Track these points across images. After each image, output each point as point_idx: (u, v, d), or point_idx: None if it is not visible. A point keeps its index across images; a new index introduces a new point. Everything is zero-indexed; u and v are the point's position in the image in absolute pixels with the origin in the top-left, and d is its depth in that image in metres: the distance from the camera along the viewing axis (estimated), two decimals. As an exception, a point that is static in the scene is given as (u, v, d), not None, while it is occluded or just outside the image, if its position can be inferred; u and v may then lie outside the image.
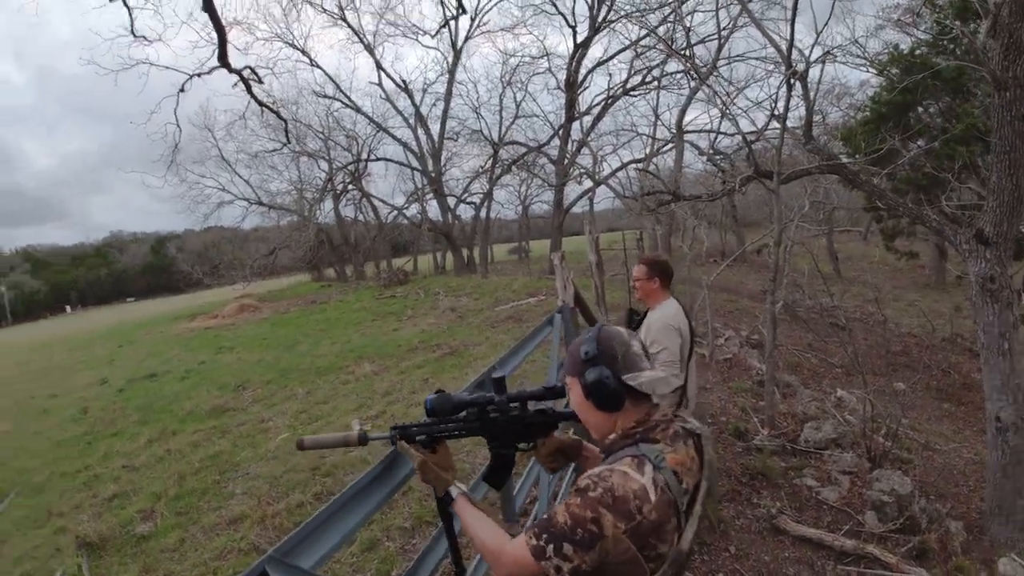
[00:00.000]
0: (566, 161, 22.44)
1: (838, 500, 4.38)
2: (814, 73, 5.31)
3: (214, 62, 12.63)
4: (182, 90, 15.24)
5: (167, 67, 17.11)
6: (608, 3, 20.32)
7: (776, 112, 5.52)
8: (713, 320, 8.48)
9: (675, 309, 3.44)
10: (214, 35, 11.30)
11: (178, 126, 17.12)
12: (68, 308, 64.47)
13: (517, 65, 24.20)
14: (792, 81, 5.10)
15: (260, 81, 15.82)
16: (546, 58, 23.42)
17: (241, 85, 14.61)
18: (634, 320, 3.59)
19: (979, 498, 4.74)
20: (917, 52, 11.00)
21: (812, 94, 5.08)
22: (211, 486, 5.30)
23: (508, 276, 22.03)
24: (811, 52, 5.16)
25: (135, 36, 12.30)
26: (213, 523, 4.55)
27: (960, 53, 9.20)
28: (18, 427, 9.32)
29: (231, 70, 13.20)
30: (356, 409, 7.30)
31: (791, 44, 4.97)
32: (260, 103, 16.78)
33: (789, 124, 5.82)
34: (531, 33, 39.17)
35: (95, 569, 4.25)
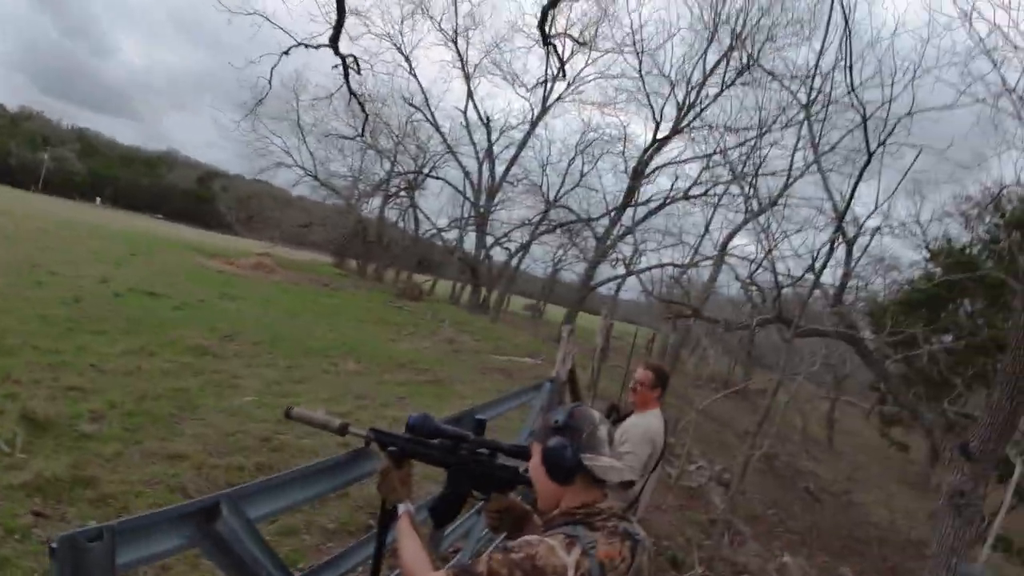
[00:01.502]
0: (608, 242, 22.81)
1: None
2: (863, 240, 5.47)
3: (324, 39, 13.16)
4: (286, 53, 15.84)
5: (279, 27, 17.94)
6: (696, 111, 21.09)
7: (815, 266, 5.65)
8: (692, 445, 8.42)
9: (659, 422, 3.49)
10: (333, 16, 11.75)
11: (269, 83, 17.77)
12: (98, 200, 64.28)
13: (594, 139, 24.99)
14: (837, 243, 5.26)
15: (359, 72, 16.34)
16: (623, 142, 24.17)
17: (340, 69, 15.16)
18: (613, 416, 3.64)
19: None
20: (967, 251, 11.08)
21: (855, 261, 5.23)
22: (165, 416, 5.30)
23: (515, 329, 22.09)
24: (866, 220, 5.31)
25: None
26: (153, 450, 4.56)
27: (1009, 263, 9.25)
28: (9, 287, 9.30)
29: (337, 53, 13.73)
30: (326, 400, 7.31)
31: (847, 207, 5.12)
32: (352, 93, 17.33)
33: (826, 281, 5.96)
34: (616, 116, 40.47)
35: (27, 445, 4.22)
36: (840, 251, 4.94)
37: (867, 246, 6.54)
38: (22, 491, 3.61)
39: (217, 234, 39.58)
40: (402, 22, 24.70)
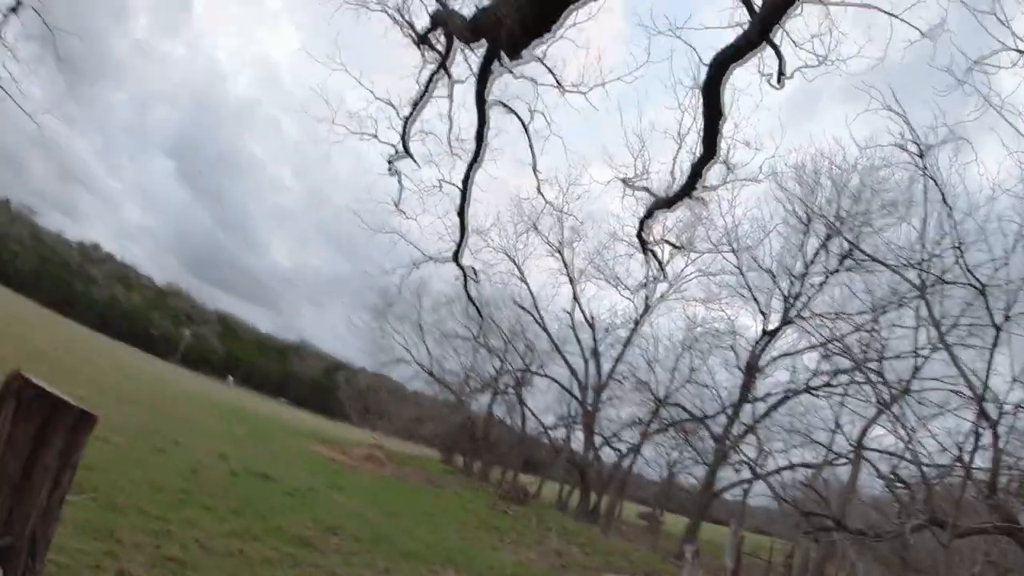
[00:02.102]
0: (728, 442, 21.13)
1: None
2: (1009, 419, 4.69)
3: (448, 255, 14.77)
4: (416, 267, 17.91)
5: (412, 243, 20.51)
6: (803, 301, 20.50)
7: (962, 455, 4.83)
8: None
9: None
10: (456, 234, 13.35)
11: (399, 290, 20.07)
12: (230, 379, 67.02)
13: (701, 334, 24.71)
14: (981, 428, 4.55)
15: (477, 281, 17.95)
16: (732, 336, 23.64)
17: (461, 279, 16.80)
18: None
19: None
20: None
21: (1003, 442, 4.43)
22: None
23: (630, 542, 19.99)
24: (1007, 395, 4.60)
25: (397, 208, 14.54)
26: None
27: None
28: (130, 449, 9.62)
29: (460, 266, 15.38)
30: (421, 611, 6.79)
31: (985, 386, 4.51)
32: (470, 298, 18.94)
33: (976, 466, 5.01)
34: (722, 310, 40.17)
35: None
36: (986, 435, 4.24)
37: (1012, 424, 5.56)
38: None
39: (335, 422, 41.35)
40: (516, 238, 27.50)
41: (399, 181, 11.19)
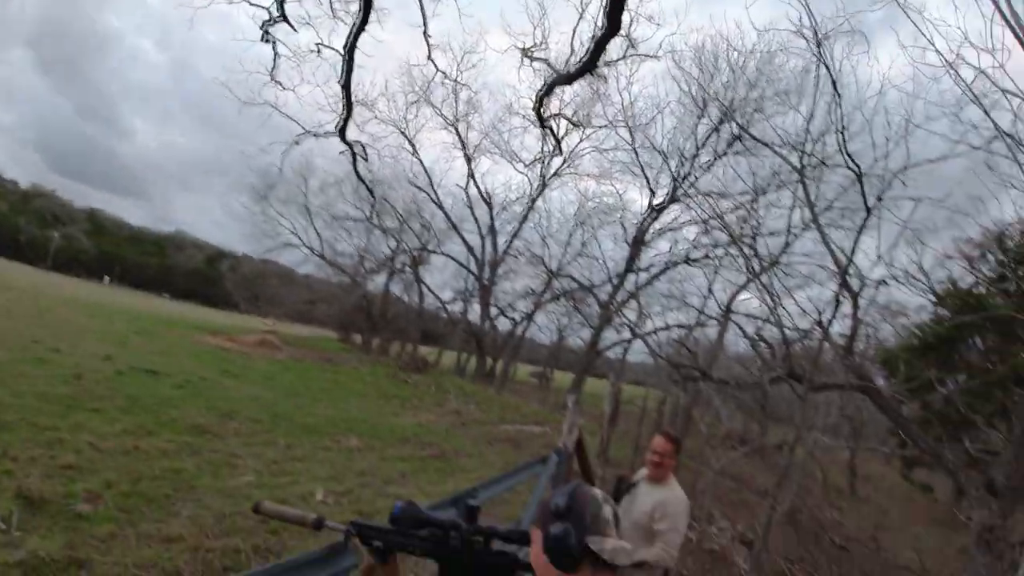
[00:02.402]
0: (612, 307, 22.80)
1: None
2: (869, 292, 5.41)
3: (331, 127, 13.75)
4: (296, 143, 16.51)
5: (290, 117, 18.71)
6: (691, 180, 21.59)
7: (822, 321, 5.56)
8: (711, 506, 8.02)
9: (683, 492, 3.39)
10: (340, 105, 12.31)
11: (280, 170, 18.49)
12: (106, 279, 64.30)
13: (592, 209, 25.51)
14: (842, 298, 5.19)
15: (366, 158, 16.92)
16: (621, 212, 24.65)
17: (348, 155, 15.77)
18: (622, 490, 3.47)
19: None
20: (974, 291, 11.01)
21: (862, 312, 5.14)
22: (161, 498, 5.22)
23: (522, 398, 21.70)
24: (870, 271, 5.27)
25: (272, 79, 13.15)
26: (149, 532, 4.47)
27: (1019, 298, 9.10)
28: (11, 362, 9.26)
29: (345, 141, 14.30)
30: (327, 479, 7.07)
31: (849, 262, 5.09)
32: (360, 178, 18.00)
33: (836, 331, 5.86)
34: (612, 185, 41.49)
35: (22, 523, 4.18)
36: (846, 304, 4.89)
37: (873, 297, 6.47)
38: (17, 569, 3.57)
39: (223, 312, 39.73)
40: (406, 110, 25.85)
41: (274, 48, 9.92)
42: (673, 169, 22.12)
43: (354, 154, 15.58)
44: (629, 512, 3.32)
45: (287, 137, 16.62)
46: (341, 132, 13.04)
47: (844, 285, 5.10)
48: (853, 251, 5.21)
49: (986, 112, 3.98)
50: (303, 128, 16.07)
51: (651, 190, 22.77)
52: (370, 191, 19.85)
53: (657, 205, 22.61)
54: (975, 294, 10.74)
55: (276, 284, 32.03)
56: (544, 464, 3.90)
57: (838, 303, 5.32)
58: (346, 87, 10.75)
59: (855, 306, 5.18)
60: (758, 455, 16.74)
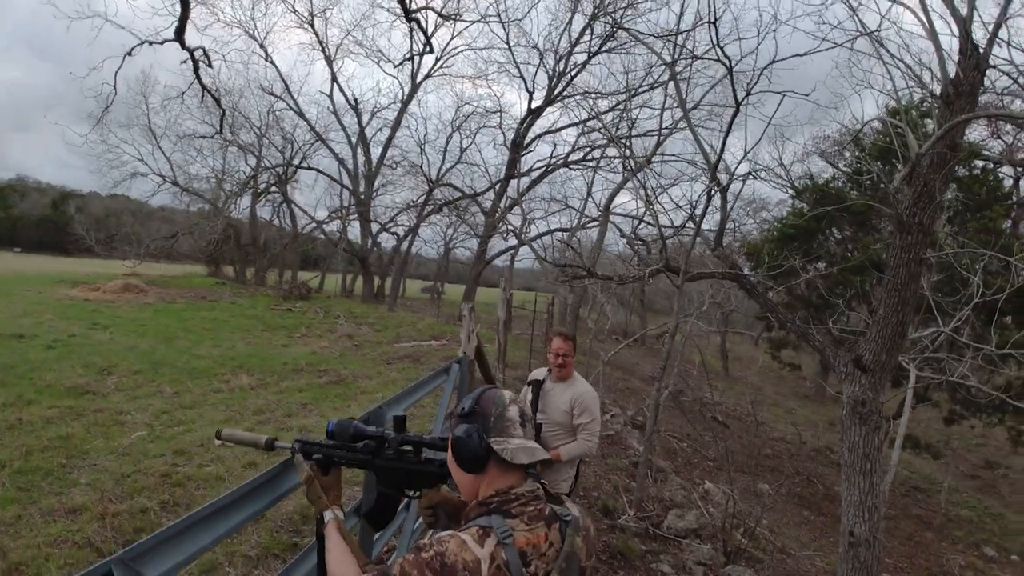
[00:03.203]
0: (496, 215, 22.85)
1: (688, 593, 4.47)
2: (735, 187, 5.76)
3: (169, 33, 12.00)
4: (129, 54, 14.45)
5: (121, 27, 16.07)
6: (567, 79, 21.43)
7: (694, 215, 5.89)
8: (603, 395, 8.68)
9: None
10: (177, 8, 10.72)
11: (114, 88, 15.93)
12: None
13: (470, 114, 24.70)
14: (713, 192, 5.48)
15: (210, 65, 15.13)
16: (499, 114, 24.11)
17: (190, 63, 13.96)
18: (536, 392, 3.59)
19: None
20: (831, 184, 12.21)
21: (730, 206, 5.49)
22: (56, 468, 5.01)
23: (416, 314, 21.69)
24: (737, 167, 5.58)
25: None
26: (52, 507, 4.32)
27: (872, 192, 10.19)
28: None
29: (184, 47, 12.60)
30: (223, 421, 6.76)
31: (719, 158, 5.34)
32: (204, 88, 16.02)
33: (705, 228, 6.26)
34: (490, 87, 40.34)
35: None
36: (716, 199, 5.19)
37: (740, 191, 6.95)
38: None
39: (79, 260, 35.46)
40: (253, 7, 22.82)
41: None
42: (549, 68, 21.80)
43: (195, 60, 13.75)
44: (546, 412, 3.47)
45: (121, 51, 14.36)
46: (178, 35, 11.36)
47: (714, 180, 5.36)
48: (722, 148, 5.45)
49: (852, 10, 4.15)
50: (138, 38, 13.95)
51: (528, 91, 22.39)
52: (216, 101, 17.67)
53: (535, 107, 22.35)
54: (832, 187, 11.89)
55: (131, 221, 28.57)
56: (447, 374, 3.94)
57: (709, 197, 5.62)
58: None
59: (723, 200, 5.49)
60: (641, 345, 18.25)
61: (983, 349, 6.14)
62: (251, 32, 23.63)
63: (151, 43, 13.76)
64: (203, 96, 18.83)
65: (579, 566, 1.18)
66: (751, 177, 5.78)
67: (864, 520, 4.28)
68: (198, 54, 13.90)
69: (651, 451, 6.39)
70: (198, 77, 14.89)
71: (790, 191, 14.45)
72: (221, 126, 20.63)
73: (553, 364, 3.56)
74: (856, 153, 11.39)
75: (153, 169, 26.66)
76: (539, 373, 3.69)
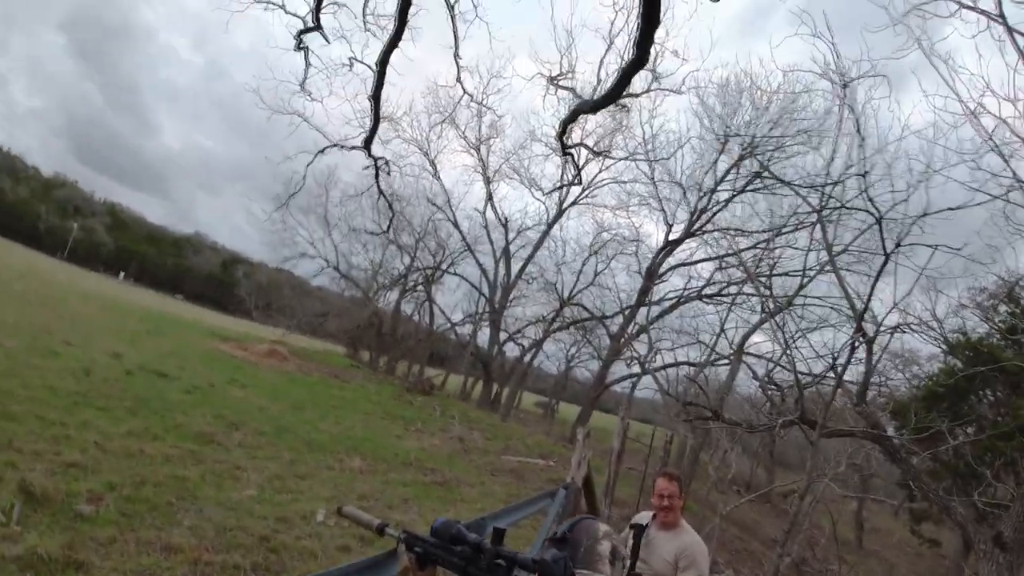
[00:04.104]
0: (623, 340, 22.64)
1: None
2: (882, 339, 5.30)
3: (357, 141, 13.77)
4: (322, 152, 16.68)
5: (316, 128, 19.23)
6: (708, 216, 21.57)
7: (835, 365, 5.45)
8: (716, 553, 7.80)
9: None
10: (367, 120, 12.35)
11: (303, 179, 18.60)
12: (121, 275, 64.35)
13: (608, 240, 25.52)
14: (858, 343, 5.09)
15: (388, 173, 17.07)
16: (636, 243, 24.63)
17: (372, 170, 15.87)
18: (638, 537, 3.37)
19: None
20: (985, 341, 10.83)
21: (875, 359, 5.04)
22: (164, 505, 5.13)
23: (527, 428, 21.46)
24: (885, 318, 5.17)
25: (302, 88, 13.30)
26: (149, 540, 4.38)
27: None
28: (22, 352, 9.28)
29: (370, 155, 14.41)
30: (328, 499, 6.96)
31: (866, 306, 5.00)
32: (381, 192, 17.92)
33: (847, 380, 5.75)
34: (629, 217, 41.55)
35: (23, 518, 4.14)
36: (860, 350, 4.81)
37: (887, 344, 6.35)
38: (14, 564, 3.52)
39: (235, 319, 39.73)
40: (430, 130, 26.28)
41: (306, 58, 9.92)
42: (691, 204, 22.15)
43: (377, 168, 15.69)
44: (648, 562, 3.22)
45: (312, 147, 16.85)
46: (367, 144, 13.11)
47: (859, 330, 4.99)
48: (870, 297, 5.12)
49: (1005, 160, 3.95)
50: (329, 140, 16.32)
51: (668, 224, 22.79)
52: (390, 204, 19.98)
53: (673, 239, 22.57)
54: (986, 344, 10.55)
55: (289, 294, 32.25)
56: (552, 499, 3.82)
57: (853, 348, 5.21)
58: (375, 99, 10.77)
59: (869, 352, 5.07)
60: (765, 502, 16.38)
61: None
62: (424, 151, 26.95)
63: (342, 147, 15.80)
64: (378, 199, 21.33)
65: None
66: (899, 331, 5.31)
67: None
68: (380, 163, 15.82)
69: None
70: (377, 183, 16.87)
71: (942, 346, 12.88)
72: (389, 227, 23.04)
73: (657, 507, 3.30)
74: (1010, 308, 10.03)
75: (320, 253, 30.51)
76: (643, 517, 3.42)
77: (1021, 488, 3.70)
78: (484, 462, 11.97)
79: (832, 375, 4.97)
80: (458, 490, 9.12)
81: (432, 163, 27.09)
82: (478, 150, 26.84)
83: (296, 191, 18.95)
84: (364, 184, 20.79)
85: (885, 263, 4.82)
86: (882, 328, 4.92)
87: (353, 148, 15.27)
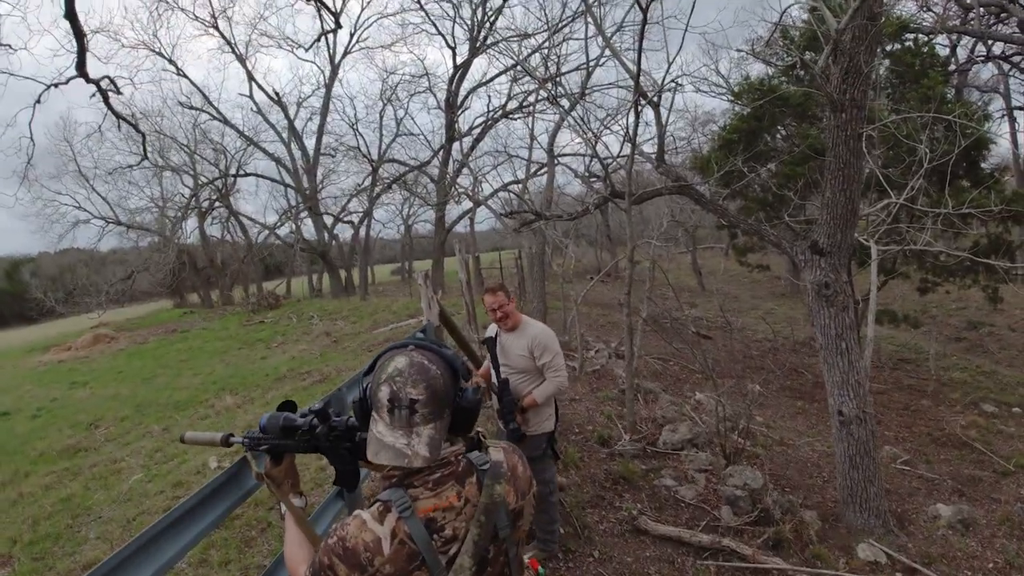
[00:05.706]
0: (446, 181, 22.48)
1: (695, 497, 4.58)
2: (669, 100, 5.69)
3: (72, 71, 11.50)
4: (38, 101, 14.13)
5: (26, 77, 15.51)
6: (487, 27, 20.81)
7: (628, 135, 5.83)
8: (585, 333, 8.75)
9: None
10: (75, 43, 10.28)
11: (31, 139, 15.46)
12: None
13: (397, 83, 23.97)
14: (641, 107, 5.40)
15: (118, 92, 14.76)
16: (426, 77, 23.45)
17: (99, 96, 13.51)
18: (492, 347, 3.57)
19: (833, 488, 5.00)
20: (766, 81, 12.09)
21: (665, 120, 5.44)
22: (65, 531, 5.03)
23: (389, 297, 21.50)
24: (664, 77, 5.46)
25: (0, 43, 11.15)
26: (68, 569, 4.32)
27: (807, 81, 10.15)
28: None
29: (88, 80, 12.20)
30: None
31: (638, 69, 5.19)
32: (117, 115, 15.63)
33: (648, 149, 6.24)
34: (411, 52, 39.08)
35: None
36: (649, 115, 5.12)
37: (672, 103, 6.87)
38: None
39: (46, 324, 34.42)
40: (153, 24, 21.68)
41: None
42: (466, 18, 21.11)
43: (102, 91, 13.34)
44: (508, 363, 3.48)
45: (29, 102, 14.01)
46: (80, 70, 10.95)
47: (638, 90, 5.22)
48: (639, 57, 5.26)
49: None
50: (43, 84, 13.55)
51: (451, 47, 21.71)
52: (133, 126, 17.13)
53: (461, 63, 21.74)
54: (768, 85, 11.74)
55: (85, 272, 27.60)
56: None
57: (638, 113, 5.50)
58: (70, 17, 8.95)
59: (657, 114, 5.41)
60: (616, 279, 18.38)
61: (941, 213, 6.28)
62: (157, 49, 22.47)
63: (56, 85, 13.32)
64: (119, 125, 18.18)
65: (507, 511, 1.14)
66: (677, 85, 5.70)
67: (850, 398, 4.38)
68: (104, 83, 13.48)
69: (636, 374, 6.51)
70: (109, 107, 14.54)
71: (729, 97, 14.32)
72: (144, 151, 19.92)
73: (494, 320, 3.53)
74: (785, 45, 11.24)
75: (93, 213, 25.83)
76: (491, 330, 3.65)
77: (825, 198, 4.27)
78: (357, 344, 11.97)
79: (630, 145, 5.27)
80: (341, 378, 9.12)
81: (171, 61, 22.78)
82: (217, 27, 22.81)
83: (31, 156, 15.72)
84: (103, 116, 17.66)
85: (645, 20, 4.95)
86: (664, 88, 5.16)
87: (70, 80, 12.86)
